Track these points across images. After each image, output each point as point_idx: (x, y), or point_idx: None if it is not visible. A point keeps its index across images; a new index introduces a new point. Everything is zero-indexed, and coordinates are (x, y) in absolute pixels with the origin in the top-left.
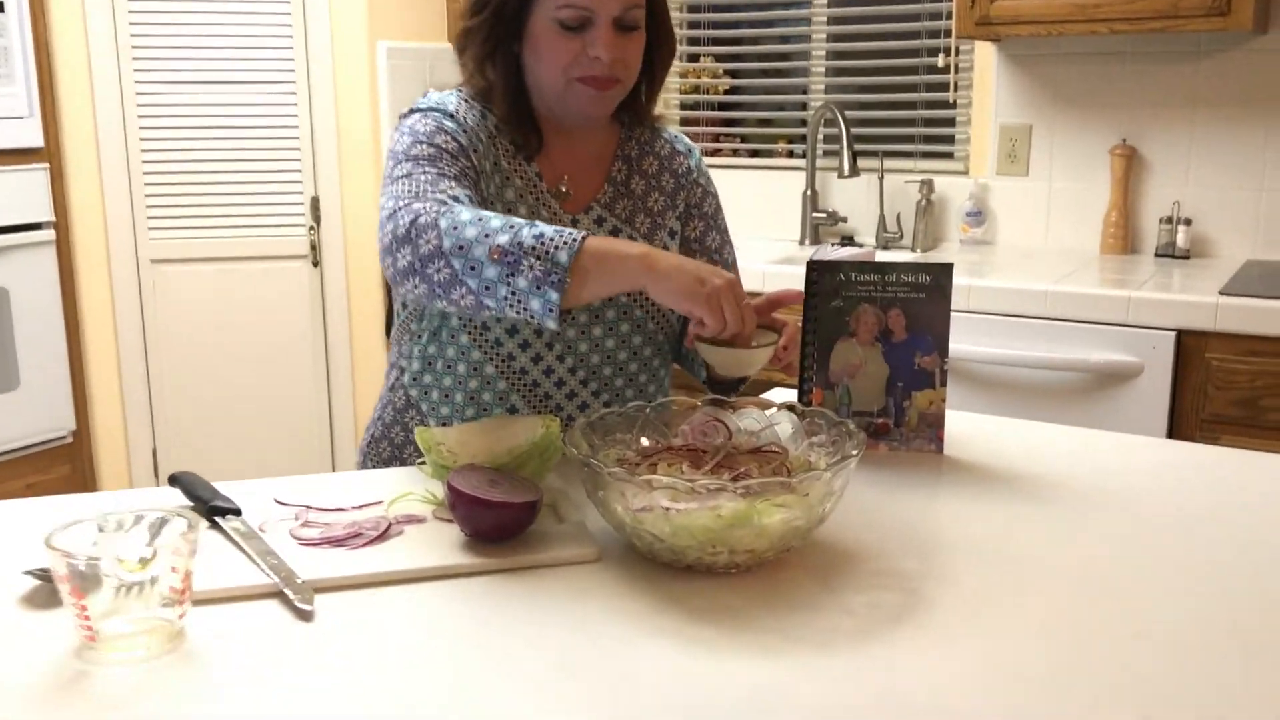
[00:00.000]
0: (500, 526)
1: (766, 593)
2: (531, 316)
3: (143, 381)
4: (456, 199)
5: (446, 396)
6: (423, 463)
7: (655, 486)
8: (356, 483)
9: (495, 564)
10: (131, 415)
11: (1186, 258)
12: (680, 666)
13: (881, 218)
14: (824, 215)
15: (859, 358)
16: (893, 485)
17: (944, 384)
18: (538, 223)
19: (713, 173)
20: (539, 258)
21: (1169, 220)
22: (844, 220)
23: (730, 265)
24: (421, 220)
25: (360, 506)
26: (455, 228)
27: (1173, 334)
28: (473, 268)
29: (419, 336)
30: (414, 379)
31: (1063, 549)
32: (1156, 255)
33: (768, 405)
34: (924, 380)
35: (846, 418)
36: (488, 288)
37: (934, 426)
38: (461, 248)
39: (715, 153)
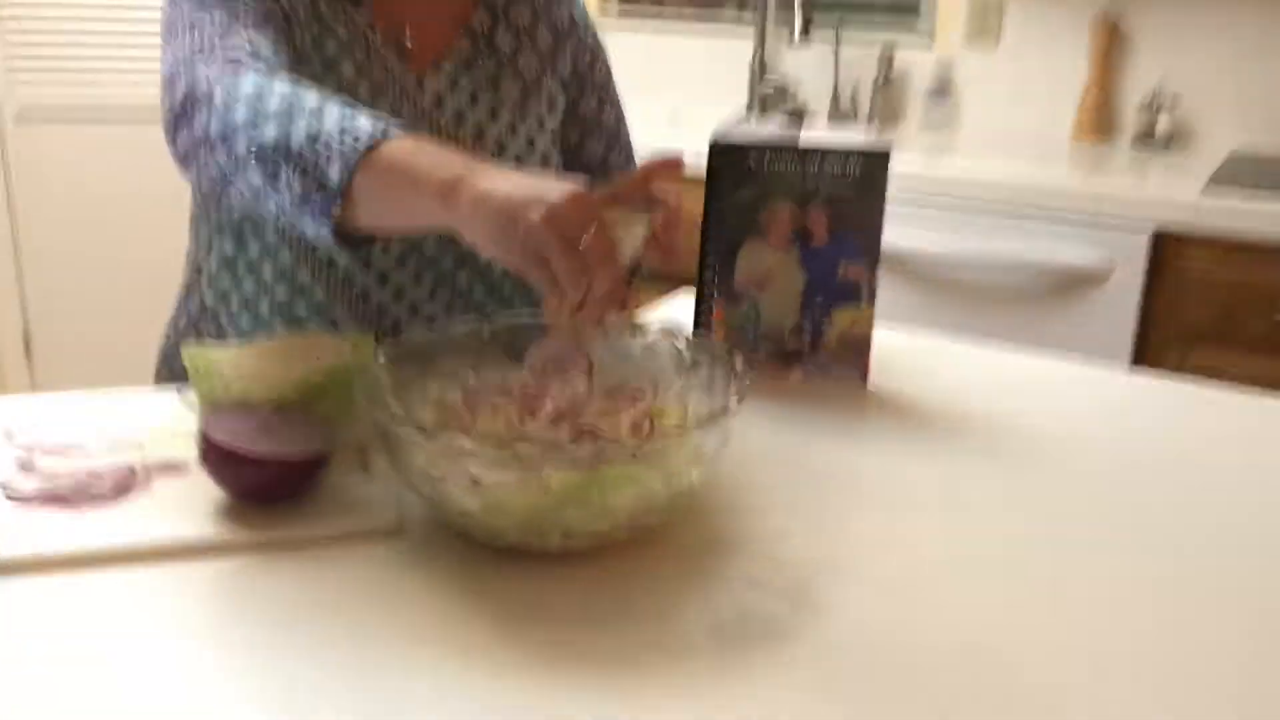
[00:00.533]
0: (263, 488)
1: (607, 587)
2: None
3: (9, 252)
4: (255, 55)
5: (248, 305)
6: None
7: (458, 452)
8: (121, 410)
9: (255, 537)
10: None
11: (1167, 147)
12: (451, 690)
13: (835, 92)
14: (772, 88)
15: (770, 265)
16: (803, 427)
17: (872, 301)
18: (331, 107)
19: (645, 34)
20: (303, 171)
21: (1150, 105)
22: (794, 94)
23: (626, 145)
24: (199, 91)
25: (111, 448)
26: (228, 106)
27: (1147, 235)
28: (238, 166)
29: (219, 227)
30: (210, 280)
31: (1006, 517)
32: (1134, 143)
33: (643, 328)
34: (848, 294)
35: (753, 338)
36: (256, 195)
37: (858, 352)
38: (226, 138)
39: (658, 2)
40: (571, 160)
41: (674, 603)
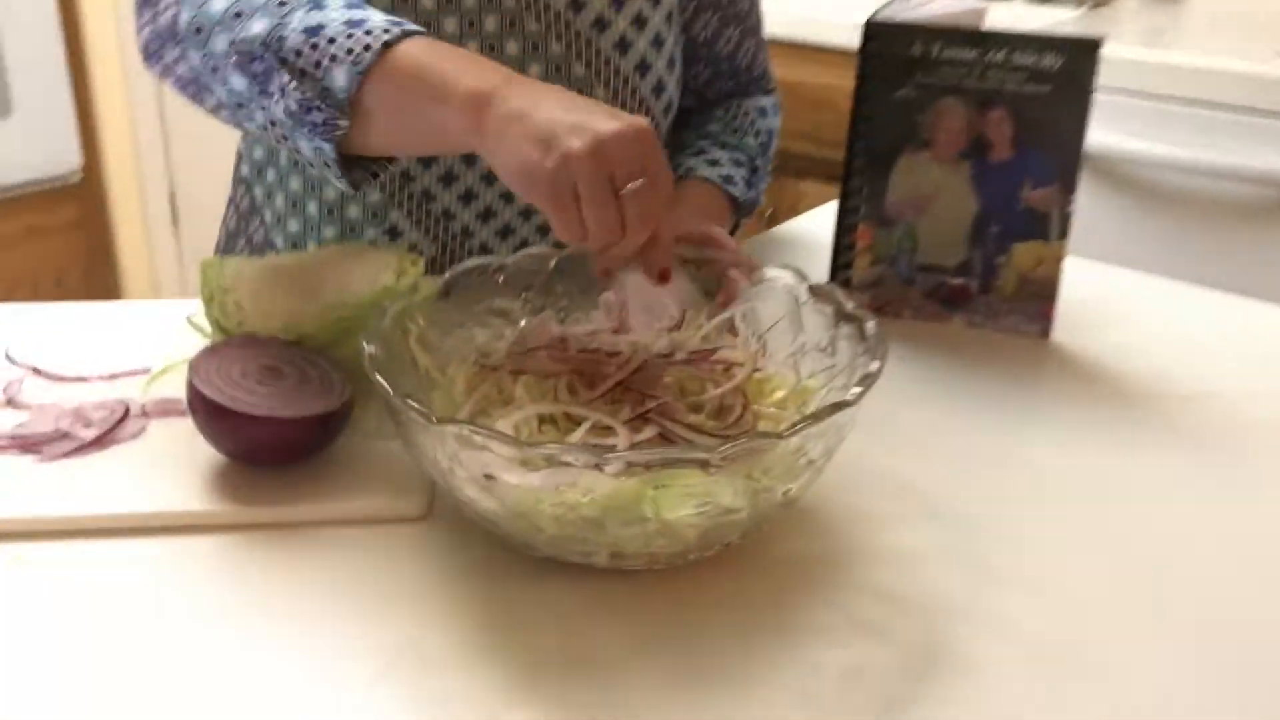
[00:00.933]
0: (257, 451)
1: (669, 620)
2: (310, 165)
3: (155, 112)
4: None
5: (295, 206)
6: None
7: (467, 444)
8: (146, 326)
9: (242, 515)
10: (146, 151)
11: None
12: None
13: None
14: None
15: (934, 183)
16: (959, 394)
17: (1064, 235)
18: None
19: None
20: (300, 73)
21: None
22: None
23: (758, 34)
24: None
25: (113, 376)
26: None
27: None
28: (216, 67)
29: None
30: (257, 171)
31: (1228, 532)
32: None
33: (755, 268)
34: (1032, 226)
35: (906, 274)
36: (239, 103)
37: (1040, 299)
38: (201, 29)
39: None
40: (693, 52)
41: (755, 652)
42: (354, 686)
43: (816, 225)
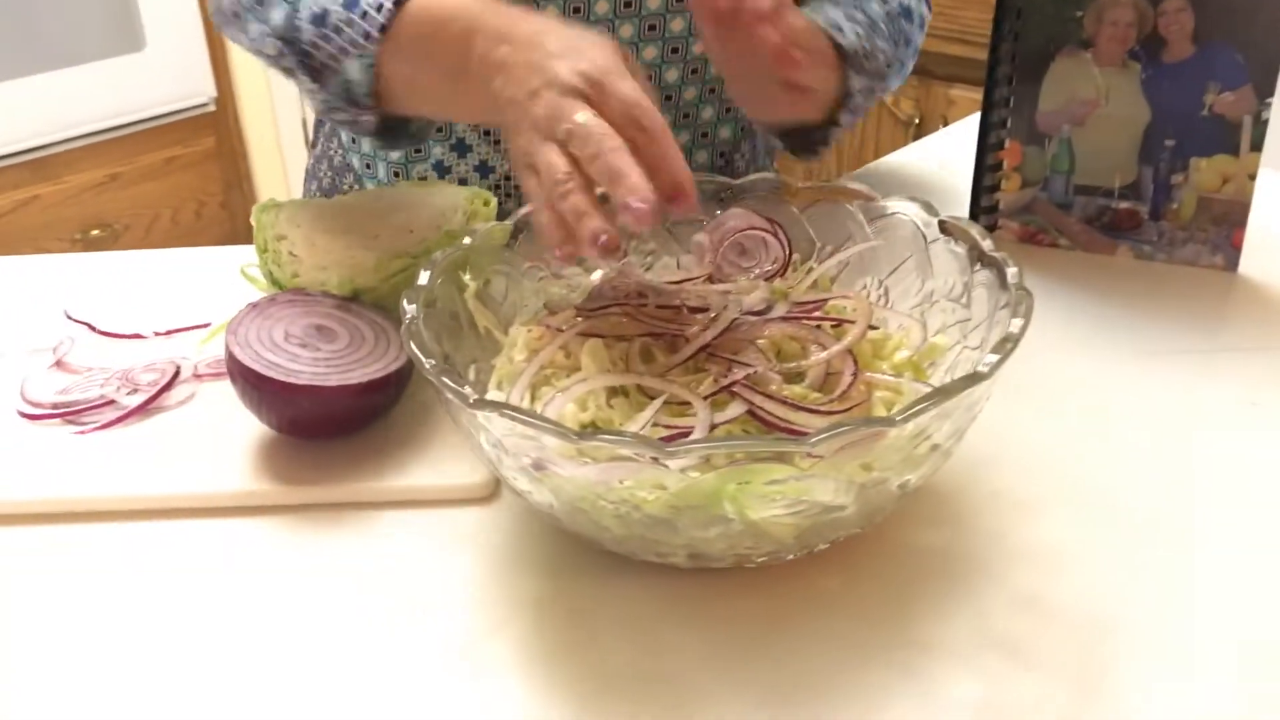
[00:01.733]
0: (301, 422)
1: (765, 626)
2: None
3: None
4: None
5: (354, 141)
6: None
7: (510, 430)
8: (207, 278)
9: (287, 495)
10: (277, 78)
11: None
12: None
13: None
14: None
15: (1096, 89)
16: (1125, 344)
17: (1259, 146)
18: None
19: None
20: (321, 70)
21: None
22: None
23: None
24: None
25: (170, 332)
26: None
27: None
28: (258, 52)
29: None
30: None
31: None
32: None
33: (871, 199)
34: (1218, 137)
35: (1064, 196)
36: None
37: (1226, 224)
38: (236, 14)
39: None
40: None
41: (866, 674)
42: (403, 689)
43: (967, 139)
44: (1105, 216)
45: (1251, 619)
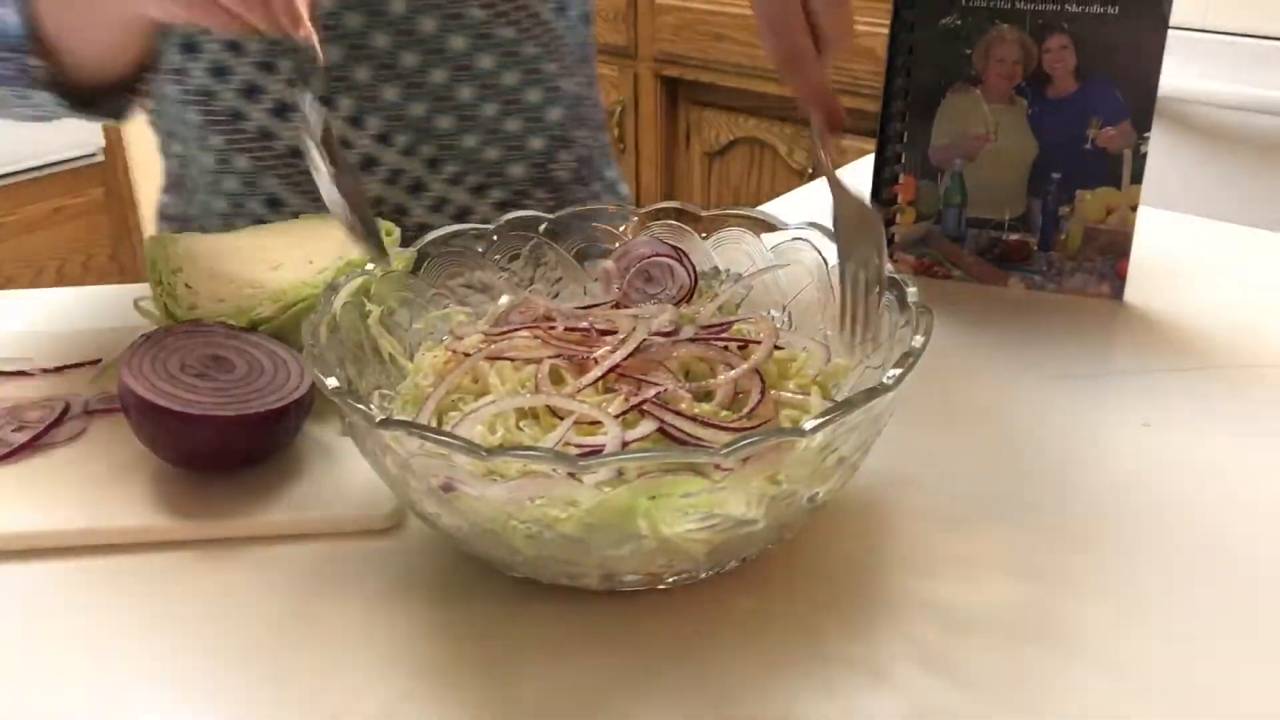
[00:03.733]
0: (197, 454)
1: (682, 649)
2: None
3: None
4: None
5: (215, 184)
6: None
7: (410, 449)
8: (100, 314)
9: (183, 530)
10: None
11: None
12: None
13: None
14: None
15: (986, 124)
16: (1021, 369)
17: (1138, 178)
18: None
19: None
20: None
21: None
22: None
23: None
24: None
25: (60, 369)
26: None
27: None
28: None
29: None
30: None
31: None
32: None
33: (770, 227)
34: (1101, 170)
35: (956, 229)
36: None
37: (1111, 253)
38: None
39: None
40: None
41: (787, 695)
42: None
43: (854, 179)
44: (997, 248)
45: (1167, 621)
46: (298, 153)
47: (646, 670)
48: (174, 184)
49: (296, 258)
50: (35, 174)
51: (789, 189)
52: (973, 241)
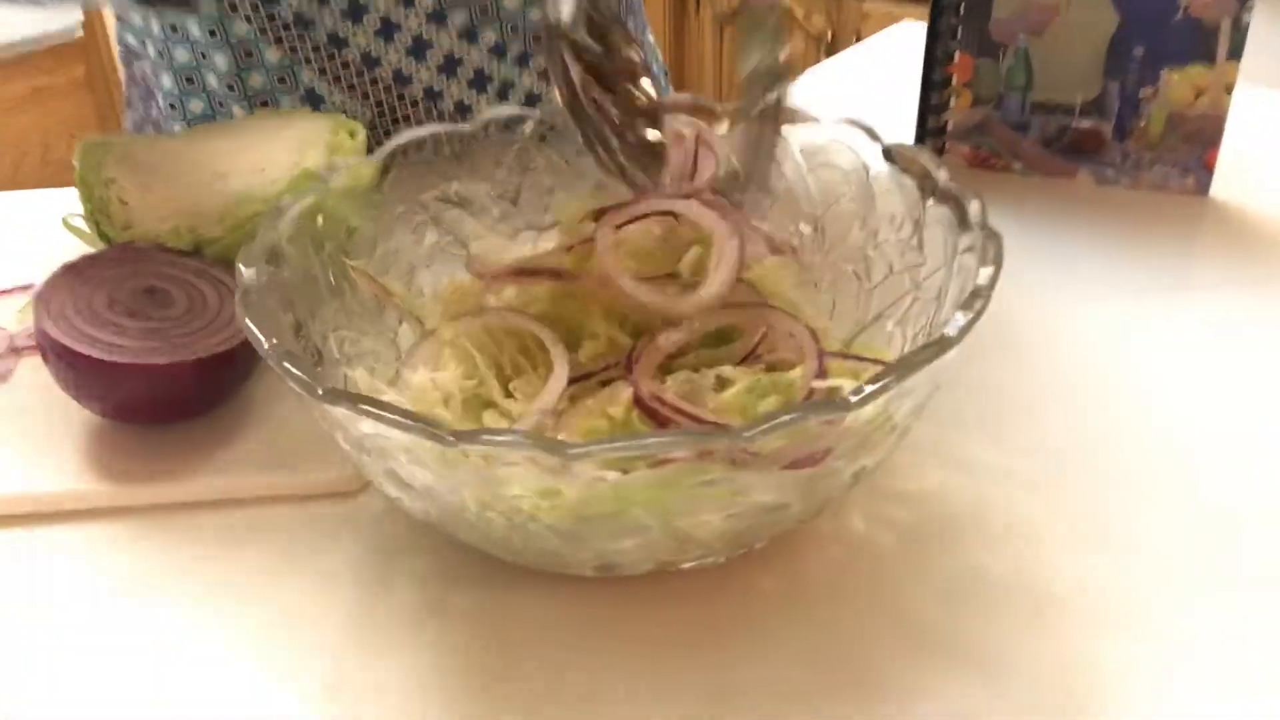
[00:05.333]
0: (125, 406)
1: (692, 639)
2: None
3: None
4: None
5: (191, 82)
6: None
7: (372, 431)
8: (27, 231)
9: (117, 495)
10: None
11: None
12: None
13: None
14: None
15: None
16: (1086, 278)
17: (1237, 54)
18: None
19: None
20: None
21: None
22: None
23: None
24: None
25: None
26: None
27: None
28: None
29: None
30: (142, 43)
31: None
32: None
33: (808, 121)
34: (1193, 44)
35: (1020, 114)
36: None
37: (1199, 142)
38: None
39: None
40: None
41: (811, 686)
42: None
43: (895, 54)
44: (1065, 137)
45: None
46: (338, 39)
47: (657, 659)
48: (145, 96)
49: (246, 165)
50: (9, 53)
51: (806, 62)
52: (1037, 129)
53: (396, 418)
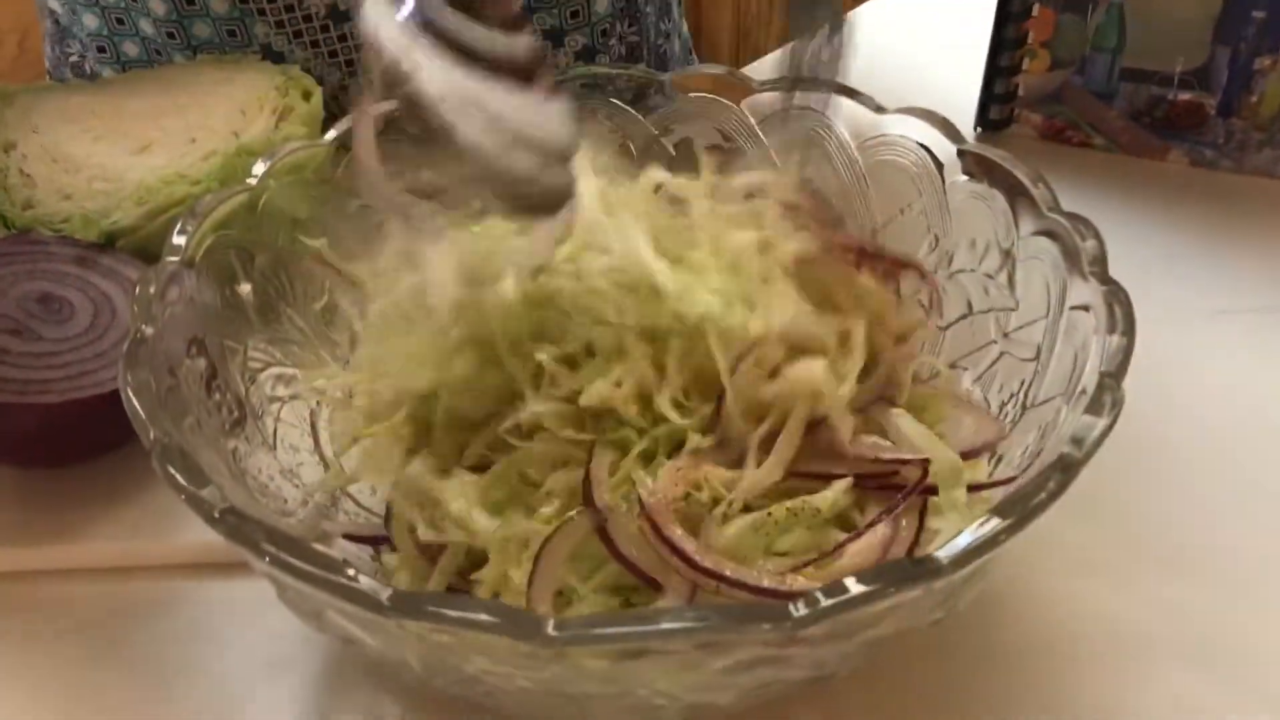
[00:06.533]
0: (11, 448)
1: None
2: None
3: None
4: None
5: (121, 23)
6: None
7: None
8: None
9: (10, 559)
10: None
11: None
12: None
13: None
14: None
15: None
16: (1178, 277)
17: None
18: None
19: None
20: None
21: None
22: None
23: None
24: None
25: None
26: None
27: None
28: None
29: None
30: None
31: None
32: None
33: (872, 108)
34: None
35: (1105, 82)
36: None
37: None
38: None
39: None
40: None
41: None
42: None
43: (958, 5)
44: (1159, 110)
45: None
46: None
47: None
48: (58, 34)
49: (175, 131)
50: None
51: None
52: (1126, 99)
53: (313, 569)
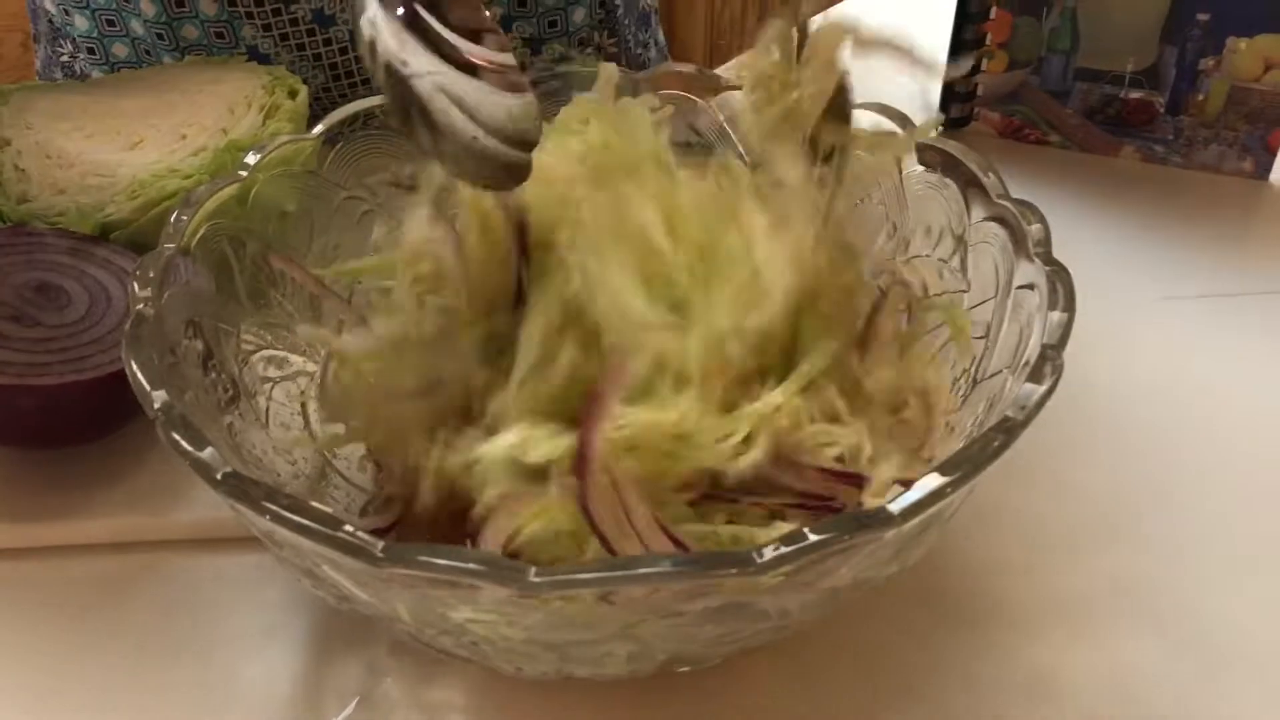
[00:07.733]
0: (13, 430)
1: None
2: None
3: None
4: None
5: (112, 25)
6: None
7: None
8: None
9: (17, 536)
10: None
11: None
12: None
13: None
14: None
15: None
16: (1130, 266)
17: None
18: None
19: None
20: None
21: None
22: None
23: None
24: None
25: None
26: None
27: None
28: None
29: None
30: None
31: None
32: None
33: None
34: (1266, 10)
35: (1060, 81)
36: None
37: (1263, 122)
38: None
39: None
40: None
41: None
42: None
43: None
44: (1111, 108)
45: None
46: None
47: None
48: (50, 33)
49: (165, 129)
50: None
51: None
52: (1079, 99)
53: (311, 523)
